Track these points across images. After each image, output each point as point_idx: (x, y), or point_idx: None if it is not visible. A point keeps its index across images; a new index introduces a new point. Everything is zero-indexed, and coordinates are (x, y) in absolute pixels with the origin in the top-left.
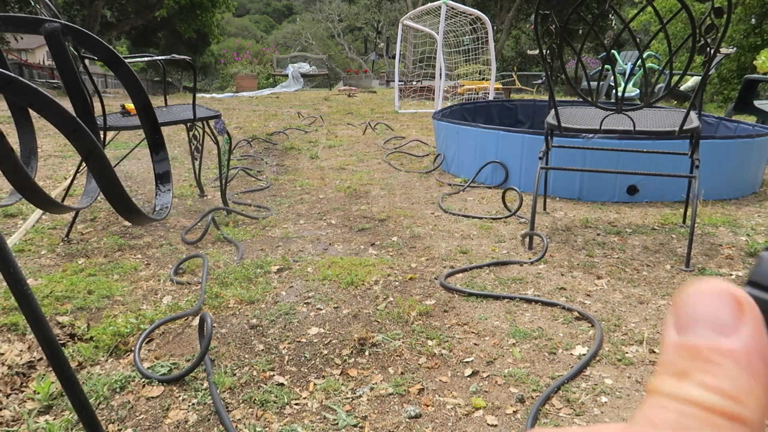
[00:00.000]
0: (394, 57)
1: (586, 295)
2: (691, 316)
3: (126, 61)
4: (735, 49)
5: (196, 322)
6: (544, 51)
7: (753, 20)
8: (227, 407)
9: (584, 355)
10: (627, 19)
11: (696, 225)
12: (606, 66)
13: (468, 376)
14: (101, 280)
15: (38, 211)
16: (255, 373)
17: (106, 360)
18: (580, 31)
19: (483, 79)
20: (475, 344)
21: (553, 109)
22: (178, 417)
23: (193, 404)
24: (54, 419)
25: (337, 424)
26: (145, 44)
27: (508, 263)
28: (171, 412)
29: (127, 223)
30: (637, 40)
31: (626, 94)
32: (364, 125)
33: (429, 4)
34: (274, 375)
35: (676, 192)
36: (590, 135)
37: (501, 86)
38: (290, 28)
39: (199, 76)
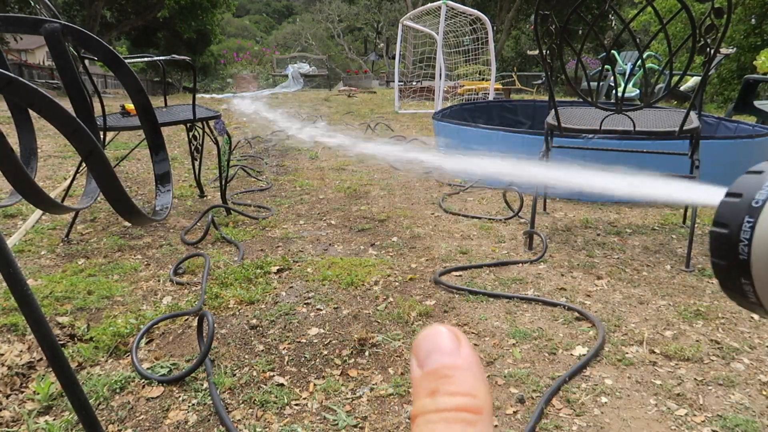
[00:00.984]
0: (393, 57)
1: (586, 296)
2: (425, 352)
3: (126, 61)
4: (735, 49)
5: (196, 322)
6: (544, 51)
7: (753, 20)
8: (227, 408)
9: (584, 355)
10: (627, 20)
11: (696, 225)
12: (606, 66)
13: None
14: (101, 281)
15: (38, 212)
16: (255, 373)
17: (106, 360)
18: (580, 32)
19: (483, 79)
20: (475, 344)
21: (553, 110)
22: (178, 417)
23: (193, 405)
24: (54, 420)
25: (337, 424)
26: (145, 45)
27: (508, 263)
28: (171, 413)
29: (127, 223)
30: (637, 40)
31: (626, 95)
32: (364, 126)
33: (429, 5)
34: (274, 375)
35: None
36: (590, 135)
37: (501, 86)
38: (290, 29)
39: (199, 76)
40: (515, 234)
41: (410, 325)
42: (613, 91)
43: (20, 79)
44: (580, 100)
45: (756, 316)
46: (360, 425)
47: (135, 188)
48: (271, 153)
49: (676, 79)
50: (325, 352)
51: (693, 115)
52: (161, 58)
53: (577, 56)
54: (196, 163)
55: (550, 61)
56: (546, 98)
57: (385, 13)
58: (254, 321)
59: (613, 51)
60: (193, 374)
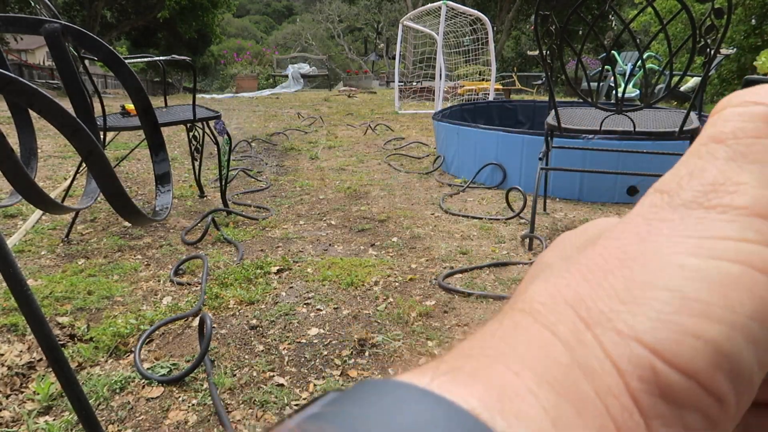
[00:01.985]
0: (394, 58)
1: None
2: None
3: (126, 61)
4: (735, 50)
5: (196, 322)
6: (544, 52)
7: (753, 21)
8: (227, 408)
9: None
10: (627, 20)
11: None
12: (606, 67)
13: None
14: (101, 281)
15: (38, 212)
16: (255, 373)
17: (106, 361)
18: (580, 32)
19: (483, 79)
20: None
21: (553, 110)
22: (178, 418)
23: (193, 405)
24: (54, 420)
25: None
26: (146, 45)
27: (508, 264)
28: (171, 413)
29: (127, 223)
30: (637, 40)
31: (626, 95)
32: (364, 126)
33: (429, 5)
34: (274, 376)
35: None
36: (590, 136)
37: (501, 87)
38: (290, 29)
39: (199, 76)
40: (515, 234)
41: (410, 325)
42: (614, 92)
43: (20, 79)
44: (580, 100)
45: None
46: None
47: (135, 188)
48: (271, 153)
49: (676, 79)
50: (325, 353)
51: (693, 115)
52: (161, 58)
53: (577, 56)
54: (196, 164)
55: (550, 62)
56: (546, 98)
57: (385, 14)
58: (254, 321)
59: (613, 51)
60: (193, 374)
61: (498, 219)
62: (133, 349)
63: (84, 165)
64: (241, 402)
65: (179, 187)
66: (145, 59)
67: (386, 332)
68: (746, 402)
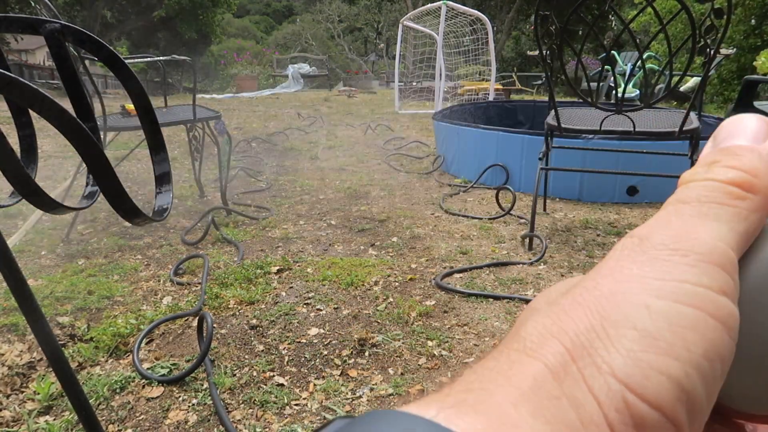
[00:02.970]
0: (394, 58)
1: None
2: (726, 133)
3: (126, 61)
4: (735, 50)
5: (196, 322)
6: (544, 52)
7: (753, 21)
8: (227, 408)
9: None
10: (627, 20)
11: None
12: (606, 67)
13: None
14: (101, 281)
15: (38, 212)
16: (255, 373)
17: (106, 360)
18: (580, 32)
19: (483, 79)
20: (475, 345)
21: (553, 110)
22: (178, 417)
23: (193, 405)
24: (54, 420)
25: None
26: (146, 45)
27: (508, 264)
28: (171, 413)
29: (127, 223)
30: (637, 40)
31: (626, 95)
32: (364, 126)
33: (429, 5)
34: (274, 375)
35: None
36: (590, 136)
37: (501, 87)
38: (290, 29)
39: (199, 76)
40: (515, 234)
41: (410, 325)
42: (613, 92)
43: (21, 79)
44: (580, 100)
45: None
46: None
47: (135, 188)
48: (271, 153)
49: (676, 79)
50: (325, 352)
51: (693, 115)
52: (161, 58)
53: (577, 57)
54: (196, 164)
55: (550, 62)
56: (546, 98)
57: (385, 14)
58: (254, 321)
59: (613, 51)
60: (193, 374)
61: (497, 218)
62: (133, 349)
63: (84, 165)
64: (241, 402)
65: (179, 187)
66: (146, 59)
67: (386, 332)
68: (698, 430)
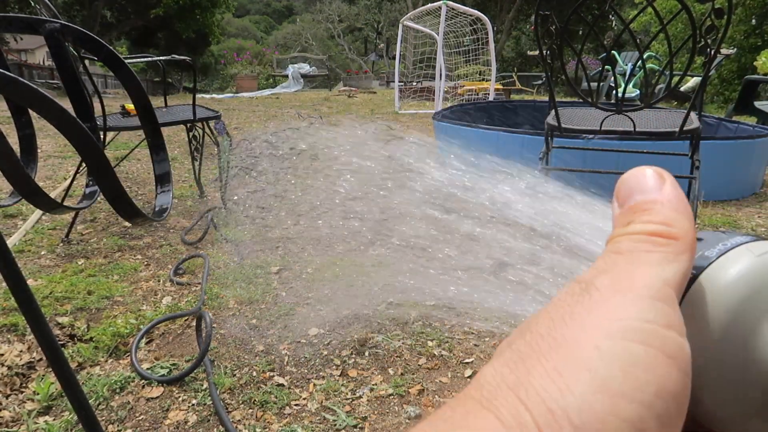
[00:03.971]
0: (394, 58)
1: None
2: (627, 191)
3: (126, 61)
4: (735, 50)
5: (195, 322)
6: (545, 52)
7: (753, 21)
8: (227, 408)
9: None
10: (627, 20)
11: (696, 226)
12: (606, 67)
13: (468, 377)
14: (101, 281)
15: (38, 212)
16: (255, 373)
17: (106, 361)
18: (581, 32)
19: (483, 79)
20: (475, 345)
21: (553, 110)
22: (178, 418)
23: (193, 405)
24: (54, 420)
25: (337, 424)
26: (145, 45)
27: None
28: (171, 413)
29: (127, 223)
30: (638, 40)
31: (626, 95)
32: None
33: (429, 5)
34: (273, 376)
35: None
36: (590, 136)
37: (501, 87)
38: (290, 29)
39: (199, 76)
40: None
41: (410, 325)
42: (614, 92)
43: (21, 79)
44: (581, 100)
45: None
46: (360, 425)
47: (135, 188)
48: (272, 153)
49: (676, 79)
50: (325, 353)
51: (693, 115)
52: (161, 58)
53: (578, 57)
54: (196, 164)
55: (550, 62)
56: (546, 98)
57: (385, 14)
58: (254, 321)
59: (613, 51)
60: (192, 374)
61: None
62: (131, 349)
63: (84, 165)
64: (241, 402)
65: (179, 187)
66: (145, 59)
67: (386, 332)
68: None
